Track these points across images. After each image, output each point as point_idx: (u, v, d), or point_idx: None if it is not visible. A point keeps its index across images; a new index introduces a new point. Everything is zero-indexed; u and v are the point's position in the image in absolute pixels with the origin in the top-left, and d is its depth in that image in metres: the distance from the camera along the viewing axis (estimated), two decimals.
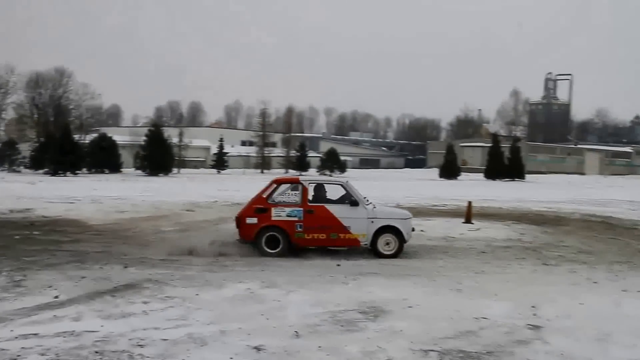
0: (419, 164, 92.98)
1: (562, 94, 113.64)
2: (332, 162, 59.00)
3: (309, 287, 8.07)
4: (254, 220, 11.22)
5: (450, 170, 51.02)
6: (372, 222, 11.37)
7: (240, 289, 7.90)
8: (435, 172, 52.17)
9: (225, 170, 60.28)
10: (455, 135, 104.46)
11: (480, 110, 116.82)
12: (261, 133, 66.84)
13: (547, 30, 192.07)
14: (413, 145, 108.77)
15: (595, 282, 9.03)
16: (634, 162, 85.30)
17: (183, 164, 59.20)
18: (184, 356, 5.32)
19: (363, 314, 6.86)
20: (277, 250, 11.14)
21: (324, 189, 11.78)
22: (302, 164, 61.77)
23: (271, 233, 11.20)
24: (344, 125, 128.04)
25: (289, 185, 11.79)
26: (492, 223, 16.06)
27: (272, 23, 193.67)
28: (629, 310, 7.37)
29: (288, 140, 67.90)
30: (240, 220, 11.36)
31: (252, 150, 68.91)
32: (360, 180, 44.03)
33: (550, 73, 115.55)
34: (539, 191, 34.15)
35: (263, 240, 11.18)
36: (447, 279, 8.92)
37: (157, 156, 48.88)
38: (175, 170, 53.09)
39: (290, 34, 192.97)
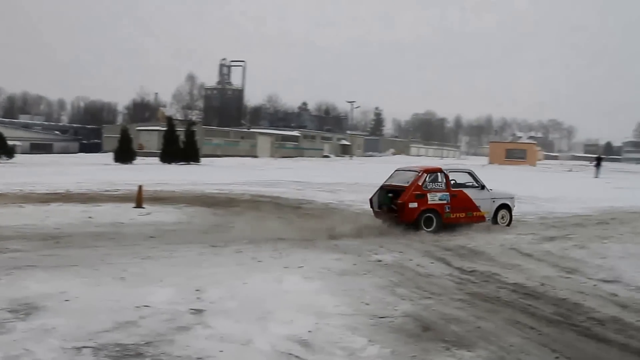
0: (95, 148, 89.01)
1: (236, 80, 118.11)
2: None
3: None
4: (415, 204, 13.27)
5: (125, 154, 49.51)
6: (494, 201, 14.45)
7: None
8: (110, 156, 50.32)
9: None
10: (132, 118, 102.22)
11: (157, 94, 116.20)
12: None
13: (220, 17, 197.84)
14: (88, 129, 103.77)
15: (260, 261, 9.24)
16: (301, 145, 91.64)
17: None
18: None
19: (13, 313, 6.12)
20: (432, 228, 13.25)
21: (454, 176, 14.30)
22: None
23: (428, 214, 13.34)
24: (13, 108, 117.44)
25: (435, 174, 13.91)
26: (163, 207, 15.78)
27: None
28: (289, 286, 7.64)
29: None
30: (404, 206, 13.16)
31: None
32: (30, 167, 40.75)
33: (224, 59, 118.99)
34: (213, 174, 34.82)
35: (422, 221, 13.24)
36: (111, 267, 8.42)
37: None
38: None
39: None
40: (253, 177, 31.31)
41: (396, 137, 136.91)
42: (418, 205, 13.27)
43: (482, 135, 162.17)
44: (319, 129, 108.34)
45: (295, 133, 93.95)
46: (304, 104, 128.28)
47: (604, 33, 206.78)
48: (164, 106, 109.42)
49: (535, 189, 26.09)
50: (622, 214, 18.54)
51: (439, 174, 13.93)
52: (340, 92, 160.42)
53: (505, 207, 14.58)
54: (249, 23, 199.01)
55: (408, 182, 13.72)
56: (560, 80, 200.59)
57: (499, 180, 32.84)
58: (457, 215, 13.74)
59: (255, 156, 76.52)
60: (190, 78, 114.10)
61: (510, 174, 42.52)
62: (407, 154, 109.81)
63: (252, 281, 7.74)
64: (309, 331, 5.84)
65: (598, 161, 46.79)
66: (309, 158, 79.69)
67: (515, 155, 76.33)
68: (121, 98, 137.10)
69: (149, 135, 73.26)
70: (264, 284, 7.67)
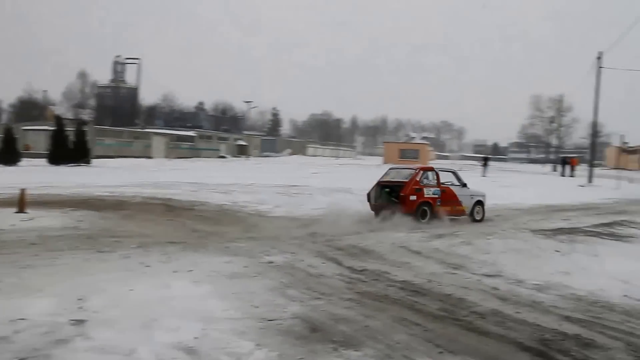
0: None
1: (130, 78, 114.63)
2: None
3: None
4: (415, 197, 15.13)
5: (9, 155, 47.00)
6: (472, 197, 16.64)
7: None
8: None
9: None
10: (18, 117, 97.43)
11: (45, 91, 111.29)
12: None
13: (114, 11, 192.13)
14: None
15: (148, 266, 8.93)
16: (197, 145, 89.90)
17: None
18: None
19: None
20: (426, 219, 15.06)
21: (441, 175, 16.24)
22: None
23: (424, 207, 15.21)
24: None
25: (428, 171, 16.10)
26: (48, 211, 15.00)
27: None
28: (176, 291, 7.43)
29: None
30: (405, 198, 14.95)
31: None
32: None
33: (119, 56, 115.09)
34: (104, 176, 33.69)
35: (419, 212, 15.09)
36: None
37: None
38: None
39: None
40: (146, 178, 30.45)
41: (293, 137, 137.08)
42: (417, 197, 15.16)
43: (377, 135, 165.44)
44: (215, 129, 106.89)
45: (191, 133, 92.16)
46: (201, 103, 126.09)
47: (489, 40, 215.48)
48: (54, 104, 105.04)
49: None
50: (506, 210, 19.51)
51: (431, 172, 16.07)
52: (238, 92, 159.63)
53: (480, 203, 16.79)
54: (145, 20, 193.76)
55: (407, 178, 15.53)
56: (451, 83, 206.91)
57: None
58: (445, 208, 15.66)
59: (150, 157, 74.59)
60: (82, 75, 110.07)
61: None
62: (304, 154, 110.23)
63: (138, 287, 7.47)
64: (195, 337, 5.70)
65: (485, 161, 48.80)
66: (205, 159, 78.49)
67: (408, 155, 78.04)
68: (6, 95, 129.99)
69: (37, 135, 70.06)
70: (150, 290, 7.42)
